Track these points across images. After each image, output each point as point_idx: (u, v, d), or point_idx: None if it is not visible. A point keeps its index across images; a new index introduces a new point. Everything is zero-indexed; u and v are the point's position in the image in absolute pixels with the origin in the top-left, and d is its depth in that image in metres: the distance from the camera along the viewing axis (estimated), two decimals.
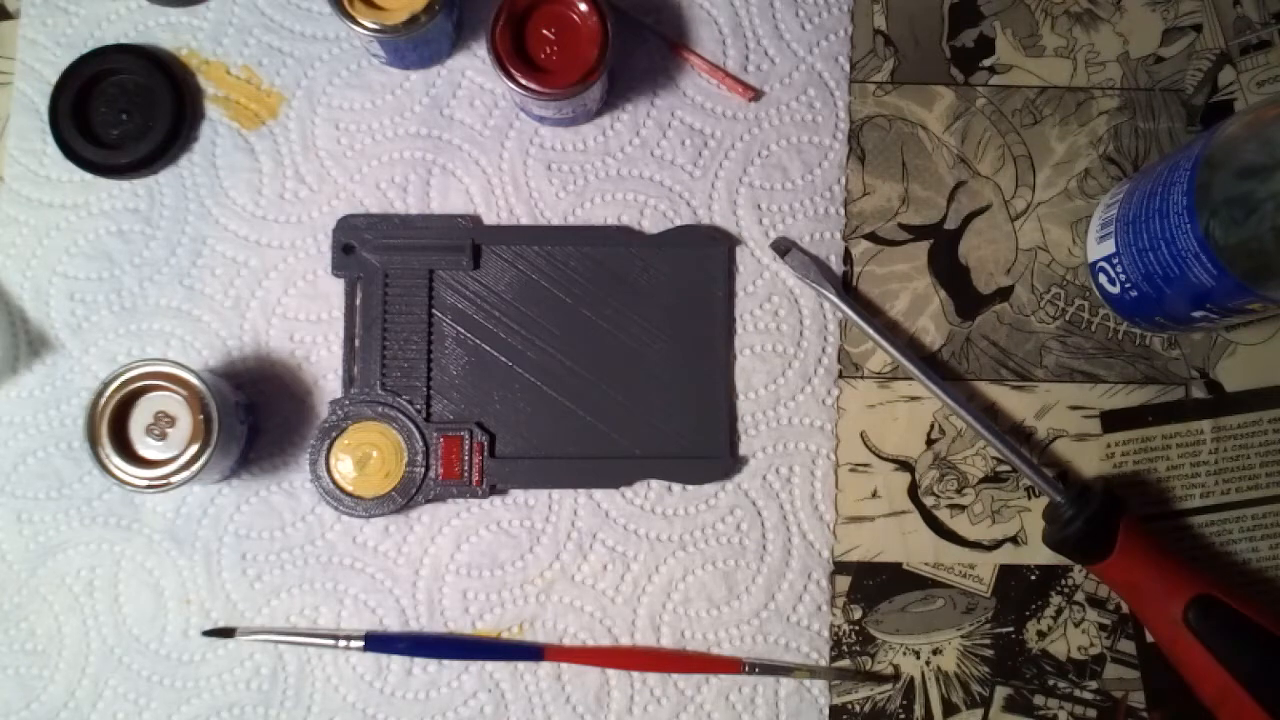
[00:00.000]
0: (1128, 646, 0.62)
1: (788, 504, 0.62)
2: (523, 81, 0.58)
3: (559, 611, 0.61)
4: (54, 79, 0.61)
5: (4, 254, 0.62)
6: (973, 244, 0.64)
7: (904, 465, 0.62)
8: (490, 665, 0.60)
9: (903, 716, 0.61)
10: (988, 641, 0.62)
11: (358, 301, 0.61)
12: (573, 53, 0.58)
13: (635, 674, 0.61)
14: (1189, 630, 0.56)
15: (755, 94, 0.63)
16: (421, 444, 0.60)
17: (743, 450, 0.62)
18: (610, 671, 0.61)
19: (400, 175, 0.63)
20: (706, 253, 0.62)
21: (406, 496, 0.60)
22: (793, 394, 0.62)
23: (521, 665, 0.60)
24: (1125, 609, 0.61)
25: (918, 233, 0.64)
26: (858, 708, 0.61)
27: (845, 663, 0.61)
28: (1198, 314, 0.57)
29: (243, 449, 0.59)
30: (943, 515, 0.62)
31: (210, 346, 0.62)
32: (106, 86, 0.62)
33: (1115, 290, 0.61)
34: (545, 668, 0.61)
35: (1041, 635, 0.62)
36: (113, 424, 0.56)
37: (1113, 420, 0.63)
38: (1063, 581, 0.62)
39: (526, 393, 0.61)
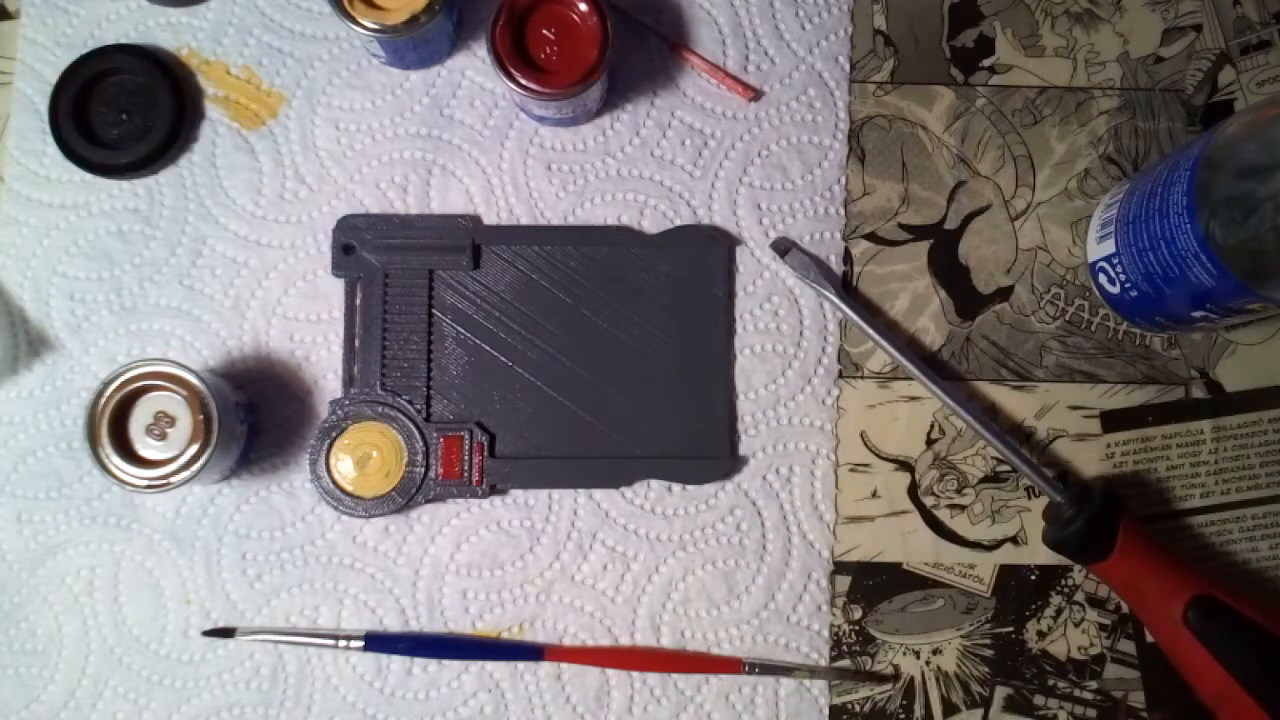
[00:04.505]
0: (1128, 646, 0.62)
1: (788, 504, 0.62)
2: (523, 81, 0.58)
3: (559, 611, 0.61)
4: (54, 79, 0.61)
5: (4, 254, 0.62)
6: (973, 244, 0.64)
7: (904, 465, 0.62)
8: (490, 665, 0.60)
9: (903, 716, 0.61)
10: (988, 641, 0.62)
11: (358, 301, 0.61)
12: (573, 53, 0.58)
13: (635, 674, 0.61)
14: (1189, 630, 0.56)
15: (755, 94, 0.63)
16: (421, 444, 0.60)
17: (743, 450, 0.62)
18: (610, 671, 0.61)
19: (400, 175, 0.63)
20: (706, 253, 0.62)
21: (406, 496, 0.60)
22: (793, 394, 0.62)
23: (521, 665, 0.60)
24: (1125, 609, 0.61)
25: (918, 233, 0.64)
26: (858, 708, 0.61)
27: (845, 663, 0.61)
28: (1198, 314, 0.57)
29: (243, 449, 0.59)
30: (943, 515, 0.62)
31: (210, 346, 0.62)
32: (106, 86, 0.62)
33: (1115, 290, 0.61)
34: (545, 668, 0.61)
35: (1041, 635, 0.62)
36: (113, 424, 0.56)
37: (1113, 420, 0.63)
38: (1063, 581, 0.62)
39: (526, 393, 0.61)
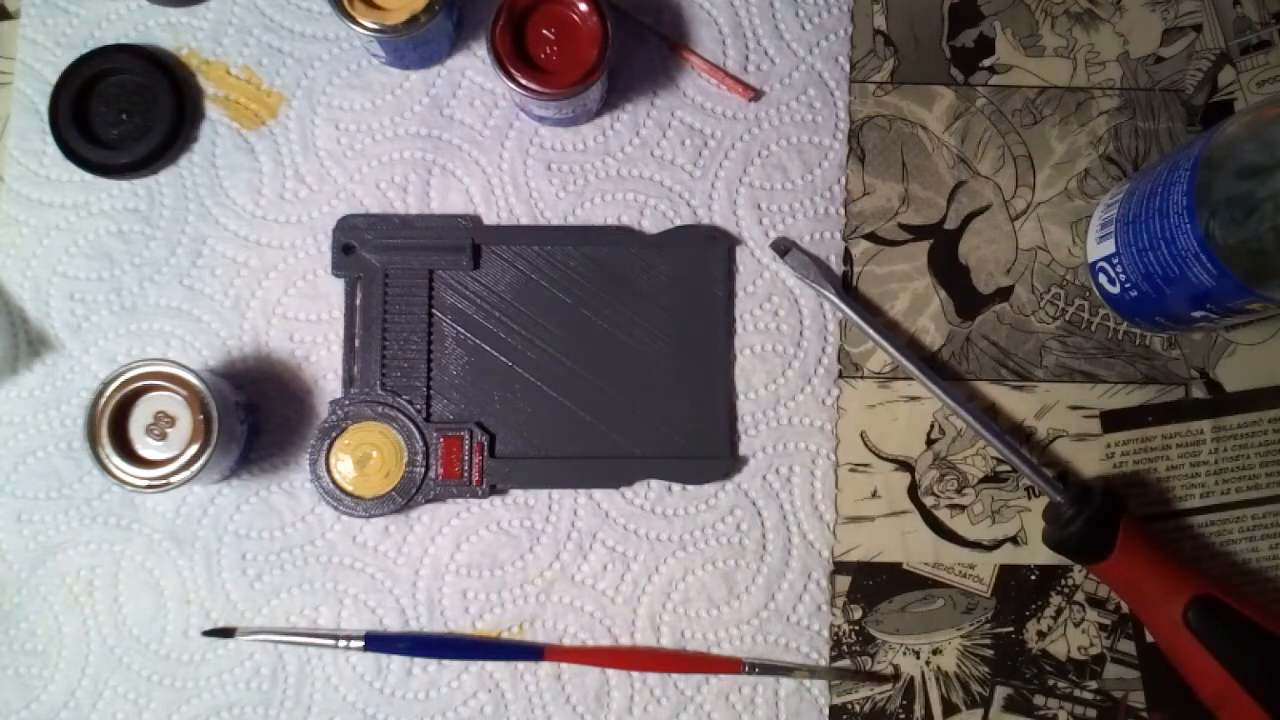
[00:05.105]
0: (1128, 646, 0.62)
1: (788, 504, 0.62)
2: (523, 81, 0.58)
3: (559, 611, 0.61)
4: (54, 79, 0.62)
5: (4, 254, 0.62)
6: (973, 244, 0.64)
7: (904, 465, 0.62)
8: (490, 665, 0.60)
9: (903, 716, 0.61)
10: (988, 641, 0.62)
11: (358, 301, 0.61)
12: (573, 53, 0.58)
13: (635, 674, 0.61)
14: (1189, 630, 0.56)
15: (755, 94, 0.63)
16: (421, 444, 0.60)
17: (743, 450, 0.62)
18: (610, 671, 0.61)
19: (400, 175, 0.63)
20: (706, 253, 0.62)
21: (406, 496, 0.60)
22: (793, 394, 0.62)
23: (521, 665, 0.60)
24: (1125, 609, 0.61)
25: (918, 233, 0.64)
26: (858, 708, 0.61)
27: (845, 663, 0.61)
28: (1198, 314, 0.57)
29: (243, 449, 0.59)
30: (943, 515, 0.62)
31: (210, 346, 0.62)
32: (106, 86, 0.62)
33: (1115, 290, 0.61)
34: (545, 668, 0.61)
35: (1041, 635, 0.62)
36: (113, 424, 0.56)
37: (1113, 420, 0.63)
38: (1063, 581, 0.62)
39: (526, 393, 0.61)
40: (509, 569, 0.61)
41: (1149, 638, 0.61)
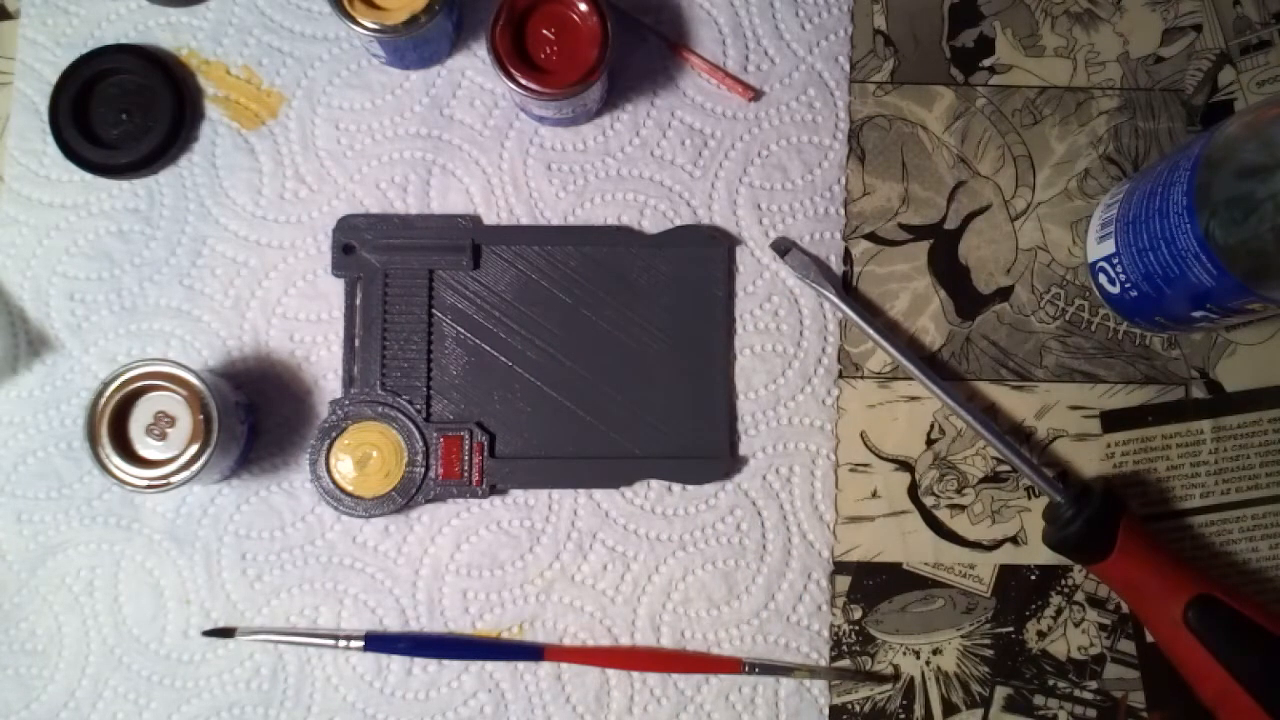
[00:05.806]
0: (1128, 646, 0.62)
1: (788, 504, 0.62)
2: (523, 81, 0.58)
3: (559, 611, 0.61)
4: (54, 79, 0.61)
5: (4, 254, 0.62)
6: (973, 244, 0.64)
7: (904, 465, 0.62)
8: (490, 665, 0.60)
9: (903, 716, 0.61)
10: (988, 641, 0.62)
11: (358, 301, 0.61)
12: (573, 53, 0.58)
13: (635, 674, 0.61)
14: (1189, 630, 0.56)
15: (755, 94, 0.63)
16: (421, 444, 0.60)
17: (743, 450, 0.62)
18: (610, 671, 0.61)
19: (400, 175, 0.63)
20: (706, 253, 0.62)
21: (406, 496, 0.60)
22: (793, 394, 0.62)
23: (521, 665, 0.60)
24: (1125, 609, 0.61)
25: (918, 233, 0.64)
26: (858, 708, 0.61)
27: (845, 663, 0.61)
28: (1198, 314, 0.57)
29: (243, 449, 0.59)
30: (943, 515, 0.62)
31: (210, 346, 0.62)
32: (106, 86, 0.62)
33: (1115, 290, 0.61)
34: (545, 668, 0.61)
35: (1041, 635, 0.62)
36: (113, 424, 0.56)
37: (1113, 420, 0.63)
38: (1063, 581, 0.62)
39: (526, 393, 0.61)
40: (509, 569, 0.61)
41: (1149, 638, 0.61)
